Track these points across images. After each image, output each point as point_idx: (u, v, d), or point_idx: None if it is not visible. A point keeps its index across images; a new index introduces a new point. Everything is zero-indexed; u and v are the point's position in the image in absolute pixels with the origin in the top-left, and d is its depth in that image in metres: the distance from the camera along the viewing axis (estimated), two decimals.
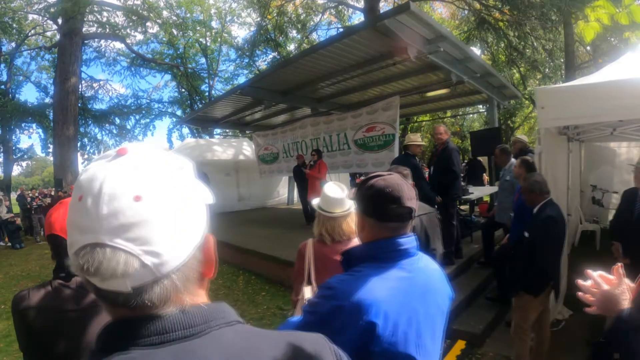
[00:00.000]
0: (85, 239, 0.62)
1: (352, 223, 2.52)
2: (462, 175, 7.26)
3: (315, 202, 2.63)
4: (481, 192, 9.07)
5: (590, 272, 1.67)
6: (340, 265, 2.32)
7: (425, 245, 3.03)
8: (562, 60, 18.19)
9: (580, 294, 1.68)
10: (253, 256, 8.06)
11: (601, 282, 1.62)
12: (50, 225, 1.67)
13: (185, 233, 0.68)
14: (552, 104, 4.11)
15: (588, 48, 19.28)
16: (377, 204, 1.42)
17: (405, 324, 1.29)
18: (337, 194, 2.53)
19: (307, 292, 2.51)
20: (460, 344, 4.50)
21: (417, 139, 6.12)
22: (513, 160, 6.01)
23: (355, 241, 2.48)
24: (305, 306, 1.38)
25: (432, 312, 1.39)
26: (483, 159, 13.77)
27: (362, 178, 1.56)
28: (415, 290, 1.37)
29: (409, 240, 1.43)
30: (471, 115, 29.37)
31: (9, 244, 13.73)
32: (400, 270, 1.38)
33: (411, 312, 1.32)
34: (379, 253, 1.41)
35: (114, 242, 0.61)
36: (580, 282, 1.69)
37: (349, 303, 1.25)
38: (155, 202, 0.64)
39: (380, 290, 1.29)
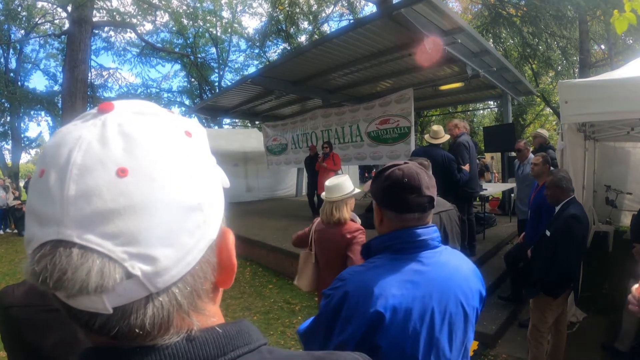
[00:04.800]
0: (44, 233, 0.42)
1: (344, 209, 2.99)
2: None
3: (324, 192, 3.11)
4: (495, 188, 8.94)
5: None
6: (333, 244, 3.02)
7: (444, 244, 2.92)
8: (575, 58, 18.00)
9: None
10: (261, 248, 8.01)
11: None
12: None
13: (194, 226, 0.47)
14: (576, 99, 3.97)
15: (602, 46, 19.04)
16: (394, 195, 1.35)
17: (417, 320, 1.23)
18: (331, 182, 3.02)
19: (302, 255, 3.33)
20: (473, 345, 4.37)
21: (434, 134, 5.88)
22: (532, 156, 5.91)
23: (350, 226, 2.99)
24: (322, 300, 1.34)
25: (451, 310, 1.30)
26: (495, 155, 13.64)
27: (376, 170, 1.48)
28: (430, 284, 1.29)
29: (428, 231, 1.36)
30: (481, 112, 29.16)
31: (15, 230, 13.83)
32: (416, 263, 1.31)
33: (424, 308, 1.25)
34: (396, 243, 1.35)
35: (85, 239, 0.41)
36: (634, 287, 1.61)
37: (357, 292, 1.23)
38: (148, 178, 0.44)
39: (390, 282, 1.24)
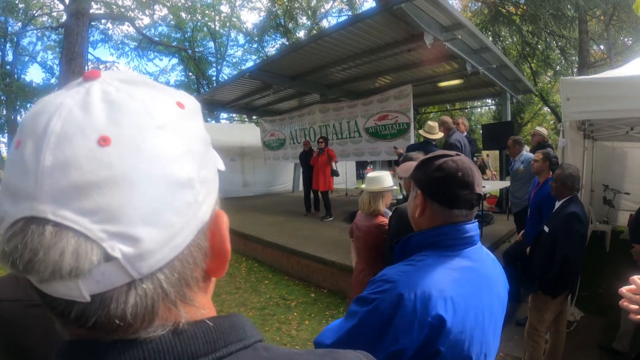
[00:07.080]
0: (17, 210, 0.37)
1: (380, 201, 3.16)
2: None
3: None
4: (493, 186, 8.92)
5: (636, 279, 1.51)
6: (364, 233, 3.20)
7: None
8: (574, 57, 18.02)
9: (624, 302, 1.53)
10: (257, 243, 7.96)
11: None
12: None
13: (183, 204, 0.42)
14: (578, 96, 3.93)
15: (602, 47, 19.04)
16: (447, 189, 1.27)
17: (472, 319, 1.17)
18: (373, 174, 3.24)
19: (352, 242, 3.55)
20: None
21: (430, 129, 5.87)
22: (525, 153, 5.92)
23: (382, 219, 3.14)
24: (355, 306, 1.19)
25: (494, 304, 1.27)
26: (493, 153, 13.60)
27: (427, 156, 1.38)
28: (480, 281, 1.25)
29: (474, 227, 1.30)
30: (479, 109, 29.19)
31: None
32: (464, 260, 1.25)
33: (477, 305, 1.20)
34: (444, 240, 1.27)
35: (60, 215, 0.36)
36: (624, 290, 1.53)
37: (414, 296, 1.10)
38: (133, 148, 0.39)
39: (446, 282, 1.16)
